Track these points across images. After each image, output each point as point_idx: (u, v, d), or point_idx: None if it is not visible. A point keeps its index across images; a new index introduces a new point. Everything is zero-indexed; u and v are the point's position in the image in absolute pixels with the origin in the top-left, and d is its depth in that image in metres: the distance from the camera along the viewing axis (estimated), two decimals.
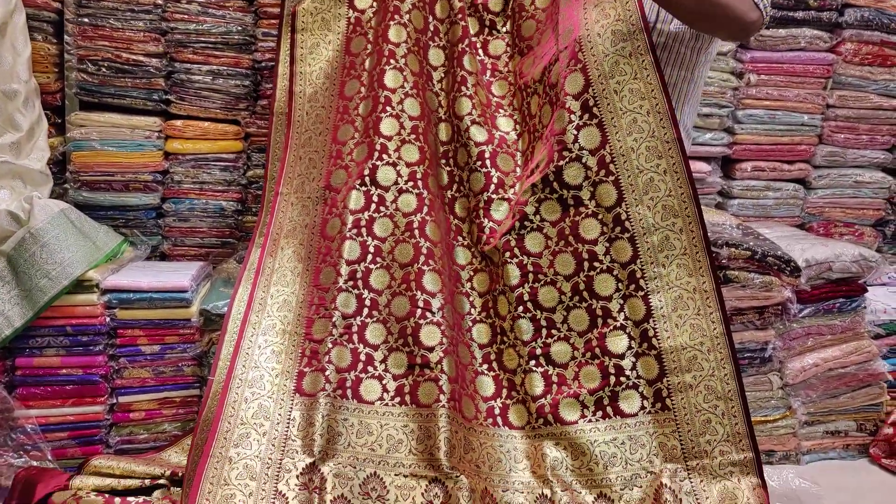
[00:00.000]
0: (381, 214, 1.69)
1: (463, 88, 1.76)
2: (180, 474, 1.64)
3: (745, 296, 1.92)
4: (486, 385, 1.64)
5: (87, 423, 1.83)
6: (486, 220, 1.69)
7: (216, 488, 1.42)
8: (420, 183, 1.72)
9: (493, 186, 1.71)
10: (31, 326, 1.77)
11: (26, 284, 1.77)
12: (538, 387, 1.58)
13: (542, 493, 1.47)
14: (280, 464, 1.48)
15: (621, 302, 1.58)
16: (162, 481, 1.65)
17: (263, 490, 1.43)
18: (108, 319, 1.81)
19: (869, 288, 2.06)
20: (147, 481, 1.65)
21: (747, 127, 2.37)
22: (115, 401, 1.86)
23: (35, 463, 1.75)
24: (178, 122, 2.11)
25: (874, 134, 2.45)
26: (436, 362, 1.59)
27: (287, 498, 1.43)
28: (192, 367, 1.89)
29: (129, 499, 1.58)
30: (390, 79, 1.75)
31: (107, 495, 1.58)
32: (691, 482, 1.48)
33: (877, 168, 2.51)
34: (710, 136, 2.35)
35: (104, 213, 2.07)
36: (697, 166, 2.34)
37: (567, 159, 1.61)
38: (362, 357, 1.60)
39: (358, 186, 1.70)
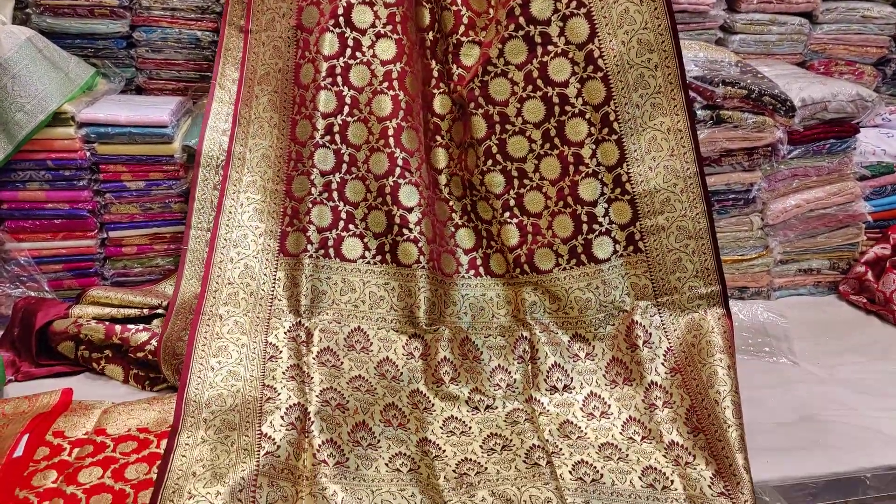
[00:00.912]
0: (357, 61, 1.59)
1: None
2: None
3: (736, 136, 1.89)
4: (468, 237, 1.65)
5: (80, 257, 1.86)
6: (455, 67, 1.60)
7: (210, 341, 1.48)
8: (399, 27, 1.60)
9: (462, 27, 1.59)
10: (12, 160, 1.74)
11: (2, 118, 1.72)
12: (513, 238, 1.60)
13: (522, 334, 1.53)
14: (268, 322, 1.53)
15: (593, 147, 1.55)
16: (160, 311, 1.72)
17: (255, 342, 1.49)
18: (88, 154, 1.78)
19: (861, 129, 2.04)
20: (145, 311, 1.72)
21: None
22: (105, 235, 1.88)
23: (33, 293, 1.80)
24: None
25: None
26: (415, 223, 1.59)
27: (277, 348, 1.49)
28: (179, 204, 1.89)
29: (129, 326, 1.64)
30: None
31: (107, 323, 1.65)
32: (661, 317, 1.54)
33: (885, 2, 2.38)
34: None
35: (72, 42, 1.95)
36: None
37: None
38: (343, 215, 1.60)
39: (331, 28, 1.58)
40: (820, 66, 2.38)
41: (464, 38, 1.59)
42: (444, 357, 1.53)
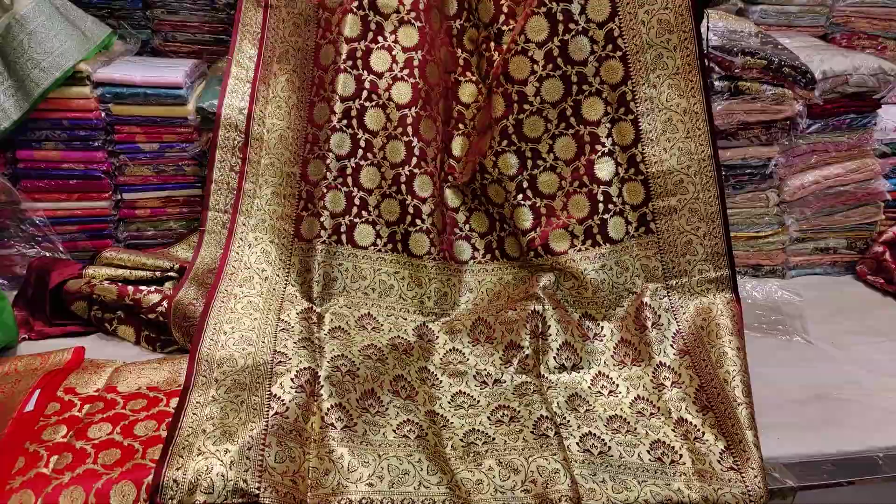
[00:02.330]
0: (379, 46, 1.58)
1: None
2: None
3: (754, 109, 1.85)
4: (482, 221, 1.64)
5: (94, 218, 1.87)
6: (497, 54, 1.58)
7: (224, 313, 1.49)
8: (423, 15, 1.60)
9: (503, 17, 1.57)
10: (28, 119, 1.75)
11: (18, 75, 1.72)
12: (527, 220, 1.59)
13: (534, 309, 1.52)
14: (280, 305, 1.54)
15: (609, 126, 1.53)
16: (172, 273, 1.72)
17: (268, 318, 1.50)
18: (103, 114, 1.78)
19: (882, 105, 1.99)
20: (157, 273, 1.72)
21: None
22: (119, 197, 1.88)
23: (47, 254, 1.81)
24: None
25: None
26: (427, 214, 1.59)
27: (289, 324, 1.50)
28: (192, 167, 1.89)
29: (142, 287, 1.65)
30: None
31: (120, 284, 1.65)
32: (670, 300, 1.54)
33: None
34: None
35: (88, 2, 1.94)
36: None
37: None
38: (356, 201, 1.60)
39: (354, 9, 1.57)
40: (842, 39, 2.33)
41: (504, 28, 1.57)
42: (454, 348, 1.54)
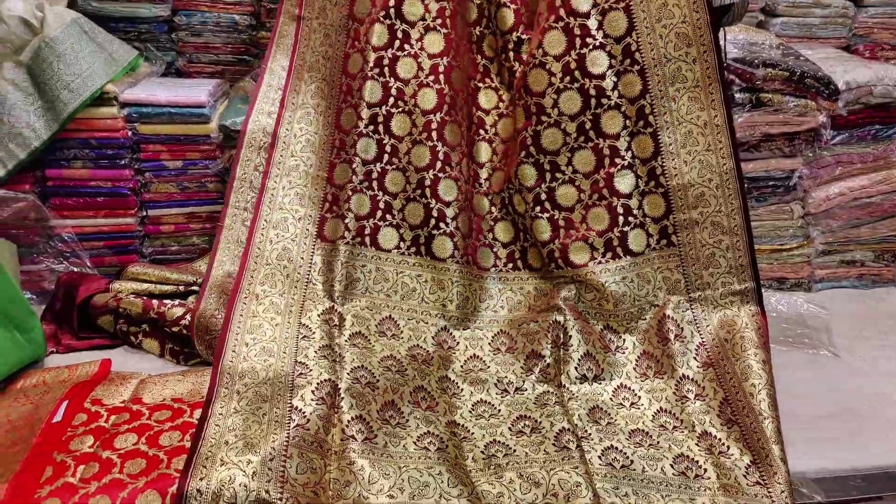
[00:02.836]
0: (405, 54, 1.60)
1: None
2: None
3: (776, 121, 1.84)
4: (506, 230, 1.64)
5: (120, 234, 1.91)
6: (517, 64, 1.60)
7: (246, 319, 1.50)
8: (448, 21, 1.61)
9: (522, 26, 1.58)
10: (57, 139, 1.79)
11: (47, 96, 1.77)
12: (545, 232, 1.59)
13: (556, 319, 1.52)
14: (302, 304, 1.55)
15: (629, 139, 1.53)
16: (195, 288, 1.74)
17: (289, 322, 1.51)
18: (129, 133, 1.82)
19: None
20: (181, 287, 1.75)
21: None
22: (145, 213, 1.92)
23: (75, 269, 1.85)
24: None
25: None
26: (451, 218, 1.59)
27: (310, 329, 1.51)
28: (215, 184, 1.92)
29: (166, 301, 1.67)
30: None
31: (145, 298, 1.68)
32: (693, 312, 1.52)
33: None
34: None
35: (115, 26, 2.00)
36: None
37: None
38: (381, 205, 1.61)
39: (381, 19, 1.59)
40: (865, 50, 2.31)
41: (524, 36, 1.59)
42: (474, 355, 1.54)
